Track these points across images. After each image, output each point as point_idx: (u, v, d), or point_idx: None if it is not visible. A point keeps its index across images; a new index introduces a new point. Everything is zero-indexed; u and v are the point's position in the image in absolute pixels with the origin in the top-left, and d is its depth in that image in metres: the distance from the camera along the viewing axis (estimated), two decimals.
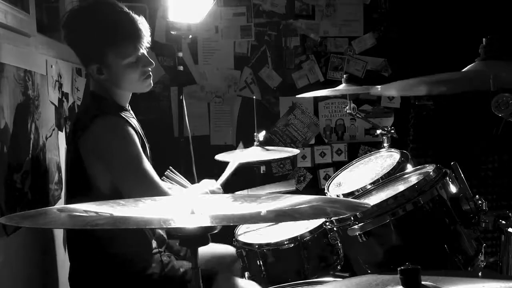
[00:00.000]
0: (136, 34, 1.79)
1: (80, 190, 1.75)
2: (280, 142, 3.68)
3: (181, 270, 1.81)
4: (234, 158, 2.30)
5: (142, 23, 1.81)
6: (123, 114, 1.83)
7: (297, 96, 2.87)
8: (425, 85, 1.73)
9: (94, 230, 1.68)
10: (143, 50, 1.84)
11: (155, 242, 1.91)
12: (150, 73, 1.88)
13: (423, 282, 0.91)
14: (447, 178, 1.57)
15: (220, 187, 2.10)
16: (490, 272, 1.73)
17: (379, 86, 1.74)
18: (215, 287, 1.78)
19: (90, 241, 1.75)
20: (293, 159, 3.67)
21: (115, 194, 1.72)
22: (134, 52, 1.80)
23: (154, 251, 1.87)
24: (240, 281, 1.92)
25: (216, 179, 2.16)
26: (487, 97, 1.35)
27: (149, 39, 1.85)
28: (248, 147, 2.54)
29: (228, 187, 2.13)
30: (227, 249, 2.15)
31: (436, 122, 3.70)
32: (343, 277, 1.82)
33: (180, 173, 2.20)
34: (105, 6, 1.79)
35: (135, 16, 1.81)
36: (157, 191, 1.73)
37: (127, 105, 1.92)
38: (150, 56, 1.87)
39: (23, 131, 1.74)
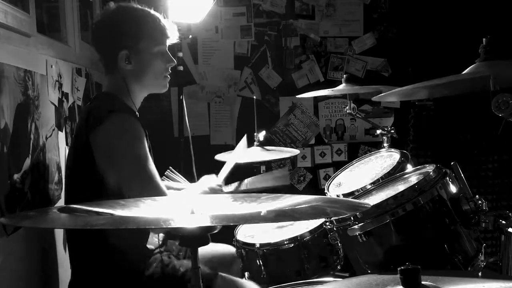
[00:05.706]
0: (166, 27, 1.91)
1: (88, 186, 1.74)
2: (280, 142, 3.68)
3: (181, 270, 1.81)
4: (231, 158, 2.30)
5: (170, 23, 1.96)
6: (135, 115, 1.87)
7: (297, 96, 2.85)
8: (425, 90, 1.73)
9: (95, 230, 1.67)
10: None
11: (155, 241, 1.91)
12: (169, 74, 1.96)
13: (423, 282, 0.92)
14: (447, 178, 1.57)
15: (221, 184, 2.11)
16: (490, 272, 1.72)
17: (381, 94, 1.74)
18: None
19: (90, 241, 1.75)
20: (293, 159, 3.67)
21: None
22: (164, 42, 1.90)
23: (155, 251, 1.87)
24: (239, 281, 1.92)
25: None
26: (487, 97, 1.34)
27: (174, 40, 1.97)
28: (248, 147, 2.54)
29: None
30: (227, 249, 2.15)
31: (436, 122, 3.70)
32: (343, 277, 1.82)
33: (180, 173, 2.20)
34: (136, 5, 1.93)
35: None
36: (159, 194, 1.74)
37: (136, 110, 1.94)
38: None
39: (23, 131, 1.74)
